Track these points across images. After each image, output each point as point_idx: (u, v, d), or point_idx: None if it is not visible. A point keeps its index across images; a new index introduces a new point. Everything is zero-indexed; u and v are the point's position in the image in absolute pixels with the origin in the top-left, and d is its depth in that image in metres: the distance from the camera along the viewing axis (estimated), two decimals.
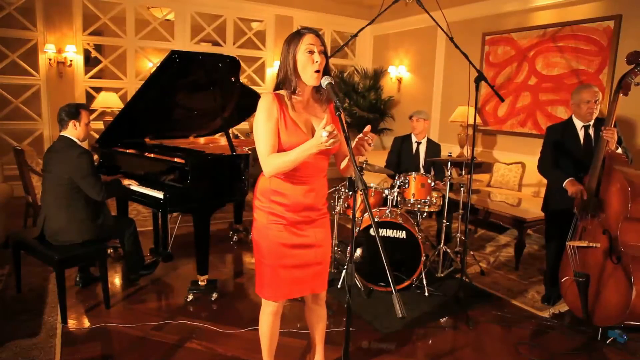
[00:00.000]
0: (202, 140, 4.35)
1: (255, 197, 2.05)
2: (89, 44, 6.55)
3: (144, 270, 3.60)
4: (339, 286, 3.49)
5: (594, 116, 3.17)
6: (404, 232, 3.46)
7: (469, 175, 3.15)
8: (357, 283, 3.48)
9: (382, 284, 3.48)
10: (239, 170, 3.32)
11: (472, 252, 4.35)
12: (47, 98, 6.17)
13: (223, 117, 3.57)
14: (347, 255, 3.71)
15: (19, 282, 3.29)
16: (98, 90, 6.50)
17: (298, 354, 2.67)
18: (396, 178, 3.72)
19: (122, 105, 5.64)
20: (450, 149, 4.40)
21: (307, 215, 2.00)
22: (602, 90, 4.75)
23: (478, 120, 5.84)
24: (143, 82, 3.41)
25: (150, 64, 7.25)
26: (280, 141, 1.89)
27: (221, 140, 4.42)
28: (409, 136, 4.45)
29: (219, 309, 3.20)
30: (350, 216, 3.65)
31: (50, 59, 6.06)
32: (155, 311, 3.16)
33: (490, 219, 4.48)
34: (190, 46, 6.92)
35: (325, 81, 1.82)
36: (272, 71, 7.60)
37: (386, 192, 3.68)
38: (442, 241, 3.92)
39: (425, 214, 3.85)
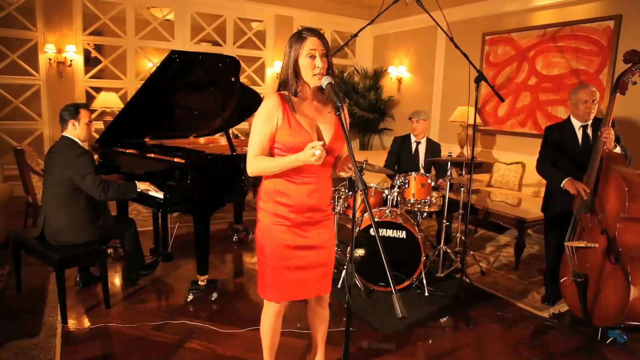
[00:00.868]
0: (202, 140, 4.35)
1: (260, 197, 2.04)
2: (89, 44, 6.55)
3: (144, 270, 3.60)
4: (339, 286, 3.49)
5: (592, 116, 3.17)
6: (404, 232, 3.46)
7: (469, 175, 3.15)
8: (357, 283, 3.48)
9: (382, 284, 3.48)
10: (239, 170, 3.32)
11: (472, 252, 4.35)
12: (47, 98, 6.17)
13: (223, 117, 3.57)
14: (347, 255, 3.71)
15: (19, 282, 3.29)
16: (98, 90, 6.50)
17: (298, 353, 2.67)
18: (396, 178, 3.72)
19: (122, 105, 5.64)
20: (450, 149, 4.41)
21: (311, 216, 1.99)
22: (602, 90, 4.76)
23: (478, 120, 5.84)
24: (143, 82, 3.41)
25: (150, 64, 7.24)
26: (285, 141, 1.89)
27: (221, 140, 4.43)
28: (408, 136, 4.45)
29: (219, 309, 3.20)
30: (350, 216, 3.65)
31: (50, 59, 6.06)
32: (155, 311, 3.16)
33: (490, 219, 4.48)
34: (190, 46, 6.92)
35: (325, 81, 1.82)
36: (272, 71, 7.60)
37: (386, 192, 3.68)
38: (442, 241, 3.92)
39: (425, 214, 3.85)
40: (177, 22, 6.89)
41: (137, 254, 3.48)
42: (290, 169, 1.88)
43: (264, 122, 1.89)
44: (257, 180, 6.46)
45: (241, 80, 3.74)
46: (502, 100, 3.23)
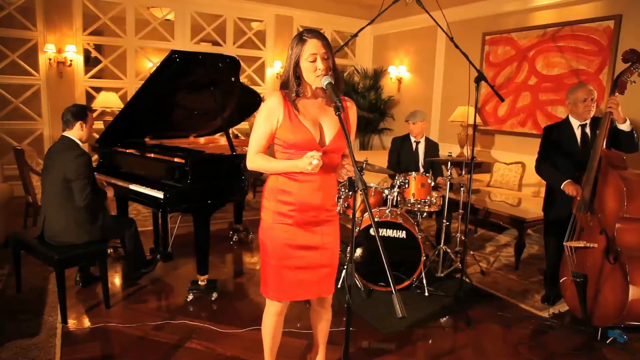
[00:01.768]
0: (202, 140, 4.34)
1: (263, 196, 2.05)
2: (89, 43, 6.55)
3: (144, 269, 3.60)
4: (339, 286, 3.49)
5: (592, 114, 3.17)
6: (404, 232, 3.46)
7: (469, 175, 3.15)
8: (357, 283, 3.48)
9: (382, 283, 3.48)
10: (239, 170, 3.32)
11: (472, 252, 4.35)
12: (47, 98, 6.17)
13: (223, 117, 3.57)
14: (347, 255, 3.71)
15: (19, 282, 3.29)
16: (98, 90, 6.50)
17: (298, 353, 2.67)
18: (396, 178, 3.72)
19: (122, 105, 5.64)
20: (450, 149, 4.41)
21: (314, 216, 1.98)
22: (601, 90, 4.76)
23: (478, 120, 5.83)
24: (143, 82, 3.41)
25: (150, 64, 7.24)
26: (286, 138, 1.90)
27: (221, 140, 4.42)
28: (407, 136, 4.45)
29: (219, 309, 3.20)
30: (350, 216, 3.65)
31: (50, 59, 6.06)
32: (155, 311, 3.16)
33: (490, 219, 4.48)
34: (190, 46, 6.91)
35: (325, 81, 1.82)
36: (272, 71, 7.60)
37: (386, 192, 3.68)
38: (442, 241, 3.92)
39: (425, 214, 3.85)
40: (177, 22, 6.89)
41: (137, 253, 3.48)
42: (285, 172, 1.92)
43: (264, 120, 1.92)
44: (256, 180, 6.50)
45: (241, 80, 3.74)
46: (502, 100, 3.23)
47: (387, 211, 3.58)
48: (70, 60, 6.16)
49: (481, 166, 5.86)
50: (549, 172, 3.28)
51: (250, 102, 4.09)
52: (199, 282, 3.33)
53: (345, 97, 2.02)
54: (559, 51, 5.29)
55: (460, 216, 4.10)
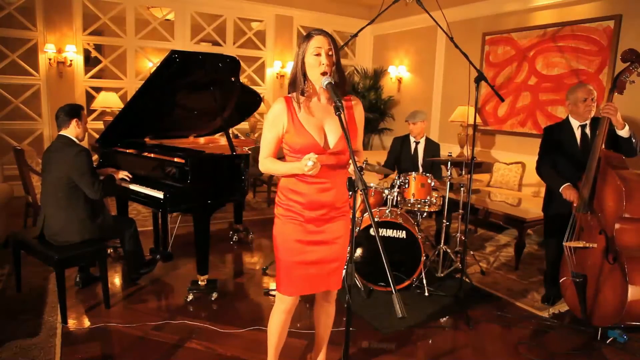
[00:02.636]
0: (202, 140, 4.34)
1: (277, 193, 2.11)
2: (89, 43, 6.55)
3: (144, 269, 3.60)
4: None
5: (592, 114, 3.17)
6: (404, 232, 3.46)
7: (469, 175, 3.15)
8: (357, 283, 3.48)
9: (382, 283, 3.48)
10: (239, 170, 3.32)
11: (472, 252, 4.35)
12: (47, 98, 6.17)
13: (223, 117, 3.57)
14: (347, 255, 3.71)
15: (19, 282, 3.29)
16: (98, 90, 6.50)
17: (299, 353, 2.67)
18: (396, 178, 3.72)
19: (122, 105, 5.64)
20: (450, 149, 4.41)
21: (325, 213, 2.02)
22: (601, 90, 4.76)
23: (478, 120, 5.84)
24: (143, 82, 3.41)
25: (150, 64, 7.24)
26: (291, 143, 1.96)
27: (221, 140, 4.42)
28: (407, 136, 4.45)
29: (219, 309, 3.20)
30: (350, 216, 3.65)
31: (50, 59, 6.06)
32: (155, 311, 3.16)
33: (490, 219, 4.48)
34: (190, 46, 6.92)
35: (325, 81, 1.83)
36: (272, 71, 7.60)
37: (386, 192, 3.68)
38: (442, 241, 3.92)
39: (425, 214, 3.85)
40: (177, 22, 6.89)
41: (137, 253, 3.48)
42: (290, 174, 1.98)
43: (270, 127, 1.98)
44: (256, 180, 6.49)
45: (241, 80, 3.74)
46: (502, 100, 3.23)
47: (387, 211, 3.58)
48: (70, 60, 6.16)
49: (481, 166, 5.86)
50: (549, 173, 3.28)
51: (250, 102, 4.09)
52: (199, 282, 3.33)
53: (352, 96, 2.05)
54: (559, 51, 5.29)
55: (460, 216, 4.09)
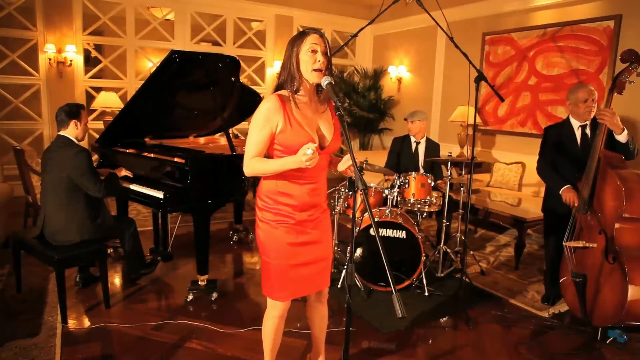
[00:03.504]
0: (202, 140, 4.35)
1: (259, 197, 2.03)
2: (89, 43, 6.55)
3: (144, 270, 3.60)
4: (339, 286, 3.49)
5: (592, 114, 3.17)
6: (404, 232, 3.46)
7: (469, 175, 3.15)
8: (357, 283, 3.48)
9: (382, 284, 3.48)
10: (239, 170, 3.30)
11: (472, 252, 4.35)
12: (47, 98, 6.17)
13: (223, 117, 3.57)
14: (347, 255, 3.71)
15: (19, 282, 3.30)
16: (98, 90, 6.50)
17: (298, 353, 2.67)
18: (396, 178, 3.72)
19: (122, 105, 5.64)
20: (450, 149, 4.40)
21: (312, 214, 2.01)
22: (601, 90, 4.76)
23: (478, 120, 5.84)
24: (143, 82, 3.41)
25: (150, 64, 7.24)
26: (286, 143, 1.89)
27: (221, 140, 4.42)
28: (408, 136, 4.45)
29: (219, 309, 3.20)
30: (350, 216, 3.65)
31: (50, 59, 6.06)
32: (155, 311, 3.16)
33: (490, 218, 4.48)
34: (190, 46, 6.92)
35: (325, 81, 1.82)
36: (272, 71, 7.60)
37: (386, 192, 3.68)
38: (442, 241, 3.92)
39: (425, 214, 3.85)
40: (177, 22, 6.89)
41: (137, 254, 3.47)
42: (287, 170, 1.89)
43: (262, 125, 1.88)
44: (256, 180, 6.49)
45: (241, 80, 3.74)
46: (502, 100, 3.23)
47: (387, 211, 3.58)
48: (70, 60, 6.16)
49: (481, 166, 5.86)
50: (549, 174, 3.28)
51: (250, 102, 4.08)
52: (199, 282, 3.33)
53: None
54: (559, 51, 5.29)
55: (460, 216, 4.09)
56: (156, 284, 3.59)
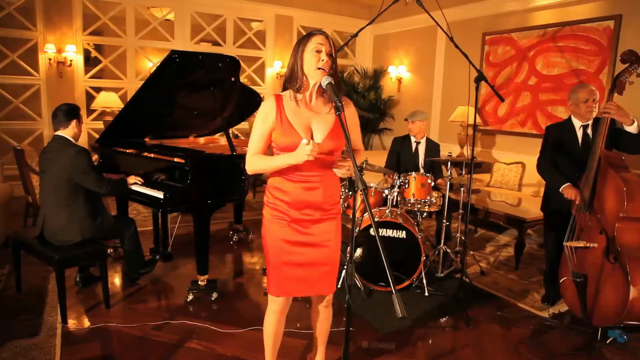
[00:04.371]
0: (202, 140, 4.34)
1: (265, 192, 2.10)
2: (89, 43, 6.55)
3: (144, 269, 3.60)
4: (339, 286, 3.49)
5: (594, 115, 3.16)
6: (404, 232, 3.46)
7: (469, 175, 3.15)
8: (357, 283, 3.48)
9: (382, 283, 3.48)
10: (239, 170, 3.31)
11: (472, 252, 4.35)
12: (47, 98, 6.17)
13: (223, 117, 3.57)
14: (347, 255, 3.71)
15: (19, 282, 3.29)
16: (98, 90, 6.50)
17: (298, 353, 2.67)
18: (396, 178, 3.72)
19: (122, 105, 5.64)
20: (450, 149, 4.40)
21: (309, 214, 2.00)
22: (601, 90, 4.76)
23: (478, 120, 5.84)
24: (143, 82, 3.42)
25: (150, 64, 7.25)
26: (278, 141, 1.94)
27: (221, 140, 4.42)
28: (408, 136, 4.45)
29: (219, 309, 3.20)
30: (350, 216, 3.65)
31: (50, 59, 6.06)
32: (155, 311, 3.16)
33: (490, 219, 4.48)
34: (190, 46, 6.92)
35: (325, 81, 1.83)
36: (272, 71, 7.60)
37: (386, 192, 3.68)
38: (442, 241, 3.92)
39: (425, 214, 3.85)
40: (177, 22, 6.89)
41: (137, 254, 3.47)
42: (285, 167, 1.91)
43: (260, 124, 1.96)
44: (257, 180, 6.50)
45: (241, 80, 3.74)
46: (502, 100, 3.23)
47: (387, 211, 3.58)
48: (70, 60, 6.16)
49: (481, 166, 5.86)
50: (549, 172, 3.28)
51: (250, 102, 4.08)
52: (199, 282, 3.33)
53: (343, 97, 2.02)
54: (559, 51, 5.29)
55: (460, 216, 4.09)
56: (156, 284, 3.59)
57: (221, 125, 3.81)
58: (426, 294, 3.46)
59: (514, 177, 5.28)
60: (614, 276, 2.75)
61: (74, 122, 3.04)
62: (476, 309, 3.30)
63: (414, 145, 4.41)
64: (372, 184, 3.79)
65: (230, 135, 3.53)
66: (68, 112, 3.03)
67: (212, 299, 3.30)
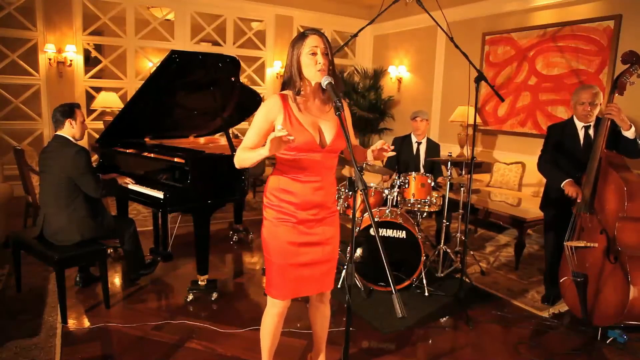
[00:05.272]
0: (202, 140, 4.34)
1: (265, 195, 2.06)
2: (89, 43, 6.55)
3: (143, 270, 3.59)
4: (338, 286, 3.49)
5: (591, 118, 3.13)
6: (404, 232, 3.46)
7: (469, 175, 3.15)
8: (357, 283, 3.48)
9: (382, 284, 3.48)
10: (239, 170, 3.31)
11: (472, 252, 4.35)
12: (47, 98, 6.17)
13: (223, 117, 3.57)
14: (347, 255, 3.71)
15: (19, 282, 3.29)
16: (98, 90, 6.50)
17: (298, 353, 2.67)
18: (396, 178, 3.72)
19: (122, 105, 5.64)
20: (450, 149, 4.40)
21: (316, 213, 2.00)
22: (602, 91, 4.75)
23: (478, 120, 5.84)
24: (143, 82, 3.41)
25: (150, 64, 7.25)
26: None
27: (221, 140, 4.42)
28: (408, 136, 4.45)
29: (219, 309, 3.20)
30: (350, 216, 3.65)
31: (50, 59, 6.06)
32: (155, 311, 3.16)
33: (490, 219, 4.48)
34: (190, 46, 6.92)
35: (325, 81, 1.83)
36: (272, 71, 7.60)
37: (386, 192, 3.68)
38: (442, 241, 3.92)
39: (425, 214, 3.85)
40: (177, 22, 6.89)
41: (136, 254, 3.47)
42: (289, 168, 1.92)
43: (261, 121, 1.93)
44: (256, 180, 6.50)
45: (241, 80, 3.74)
46: (502, 100, 3.23)
47: (387, 211, 3.58)
48: (70, 60, 6.16)
49: (481, 166, 5.87)
50: (550, 169, 3.27)
51: (250, 102, 4.08)
52: (199, 282, 3.33)
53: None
54: (559, 51, 5.29)
55: (460, 216, 4.09)
56: (156, 284, 3.59)
57: (221, 125, 3.81)
58: (426, 294, 3.45)
59: (514, 177, 5.28)
60: (614, 276, 2.75)
61: (67, 122, 3.03)
62: (476, 309, 3.30)
63: (415, 145, 4.41)
64: (372, 184, 3.79)
65: (230, 135, 3.53)
66: (62, 112, 3.03)
67: (212, 299, 3.30)
